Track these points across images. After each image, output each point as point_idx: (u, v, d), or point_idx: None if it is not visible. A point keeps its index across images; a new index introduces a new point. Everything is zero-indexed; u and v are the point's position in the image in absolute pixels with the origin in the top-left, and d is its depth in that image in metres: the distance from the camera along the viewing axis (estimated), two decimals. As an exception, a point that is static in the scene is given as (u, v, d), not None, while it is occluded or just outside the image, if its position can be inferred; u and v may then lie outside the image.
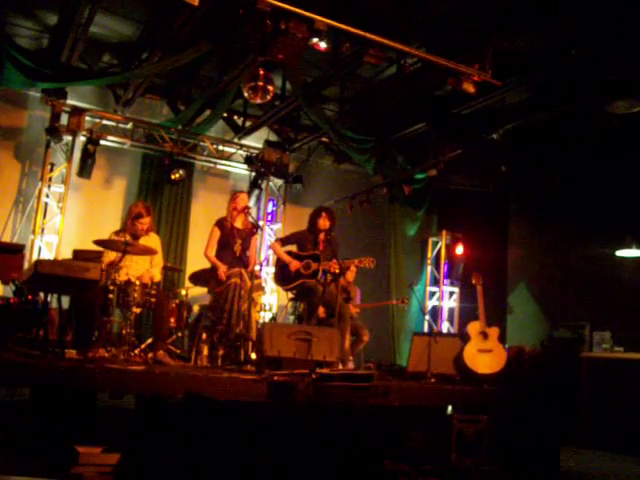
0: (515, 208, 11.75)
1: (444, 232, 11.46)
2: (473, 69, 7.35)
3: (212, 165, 11.04)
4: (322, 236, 7.24)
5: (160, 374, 4.93)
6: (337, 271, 6.84)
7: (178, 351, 7.29)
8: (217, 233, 7.06)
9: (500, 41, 7.52)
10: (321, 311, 7.25)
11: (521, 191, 11.03)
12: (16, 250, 6.76)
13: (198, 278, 8.29)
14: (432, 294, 11.65)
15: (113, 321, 6.25)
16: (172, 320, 7.58)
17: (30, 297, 6.34)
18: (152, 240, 6.74)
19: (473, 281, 7.60)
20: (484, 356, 7.10)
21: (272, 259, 10.50)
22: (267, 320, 9.21)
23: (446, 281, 11.59)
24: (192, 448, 4.23)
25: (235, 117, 10.83)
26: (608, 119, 8.08)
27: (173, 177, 10.14)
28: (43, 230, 9.40)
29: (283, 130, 11.25)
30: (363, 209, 10.69)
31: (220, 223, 7.11)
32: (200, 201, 10.89)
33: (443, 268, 11.54)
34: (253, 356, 6.19)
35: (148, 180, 10.32)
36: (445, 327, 11.44)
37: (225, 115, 10.52)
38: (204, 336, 6.68)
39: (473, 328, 7.28)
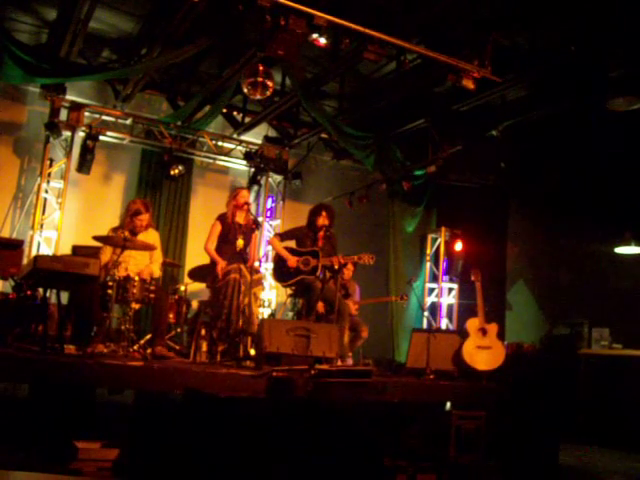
0: (514, 205, 11.75)
1: (443, 228, 11.46)
2: (473, 65, 7.35)
3: (211, 161, 11.04)
4: (321, 233, 7.25)
5: (159, 370, 4.94)
6: (337, 267, 6.84)
7: (177, 347, 7.29)
8: (218, 227, 7.07)
9: (500, 37, 7.51)
10: (320, 306, 7.27)
11: (520, 188, 11.04)
12: (15, 246, 6.77)
13: (197, 274, 8.30)
14: (431, 290, 11.65)
15: (112, 317, 6.25)
16: (171, 316, 7.59)
17: (29, 293, 6.34)
18: (151, 236, 6.75)
19: (472, 277, 7.61)
20: (483, 352, 7.10)
21: (271, 255, 10.51)
22: (266, 316, 9.22)
23: (445, 277, 11.59)
24: (191, 443, 4.24)
25: (234, 113, 10.82)
26: (608, 116, 8.07)
27: (172, 173, 10.13)
28: (42, 226, 9.39)
29: (282, 126, 11.24)
30: (362, 205, 10.69)
31: (222, 218, 7.12)
32: (199, 197, 10.88)
33: (442, 264, 11.54)
34: (252, 352, 6.19)
35: (147, 176, 10.30)
36: (444, 323, 11.45)
37: (224, 111, 10.51)
38: (203, 332, 6.67)
39: (472, 324, 7.29)
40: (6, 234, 9.12)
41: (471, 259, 10.76)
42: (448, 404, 6.29)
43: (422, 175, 10.72)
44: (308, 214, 7.43)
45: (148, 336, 6.55)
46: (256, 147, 11.04)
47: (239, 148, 11.03)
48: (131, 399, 5.95)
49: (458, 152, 9.89)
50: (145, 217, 6.65)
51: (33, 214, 9.33)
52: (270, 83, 8.58)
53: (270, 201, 11.62)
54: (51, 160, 9.51)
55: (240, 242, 6.90)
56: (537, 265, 11.60)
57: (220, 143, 10.91)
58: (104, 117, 9.89)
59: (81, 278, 5.33)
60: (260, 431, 4.04)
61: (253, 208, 10.39)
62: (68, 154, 9.62)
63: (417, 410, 5.90)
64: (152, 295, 6.37)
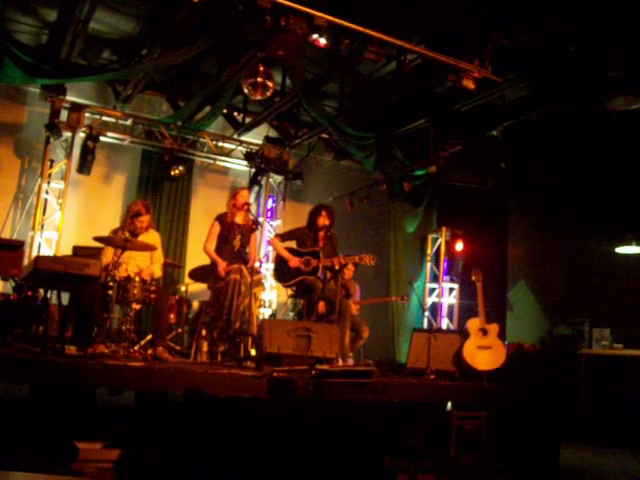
0: (515, 204, 11.75)
1: (444, 228, 11.46)
2: (473, 65, 7.34)
3: (212, 161, 11.04)
4: (322, 233, 7.25)
5: (160, 370, 4.93)
6: (337, 267, 6.84)
7: (178, 347, 7.29)
8: (217, 228, 7.07)
9: (500, 37, 7.51)
10: (321, 306, 7.27)
11: (521, 187, 11.04)
12: (16, 246, 6.76)
13: (198, 274, 8.29)
14: (432, 290, 11.66)
15: (113, 317, 6.25)
16: (172, 316, 7.59)
17: (30, 293, 6.33)
18: (151, 237, 6.75)
19: (473, 278, 7.61)
20: (484, 352, 7.10)
21: (272, 255, 10.51)
22: (267, 316, 9.22)
23: (446, 277, 11.59)
24: (192, 444, 4.24)
25: (235, 113, 10.82)
26: (607, 115, 8.07)
27: (173, 173, 10.14)
28: (43, 226, 9.39)
29: (283, 126, 11.24)
30: (363, 206, 10.69)
31: (221, 218, 7.12)
32: (200, 197, 10.88)
33: (443, 265, 11.54)
34: (253, 352, 6.19)
35: (148, 176, 10.30)
36: (445, 323, 11.45)
37: (225, 111, 10.50)
38: (204, 332, 6.68)
39: (473, 324, 7.29)
40: (7, 235, 9.12)
41: (472, 259, 10.76)
42: (449, 404, 6.29)
43: (423, 175, 10.72)
44: (308, 214, 7.43)
45: (149, 336, 6.55)
46: (257, 147, 11.04)
47: (239, 148, 11.03)
48: (132, 400, 5.95)
49: (459, 152, 9.89)
50: (145, 219, 6.65)
51: (34, 215, 9.33)
52: (270, 83, 8.60)
53: (271, 201, 11.61)
54: (51, 161, 9.51)
55: (237, 242, 6.90)
56: (538, 265, 11.60)
57: (220, 143, 10.91)
58: (104, 118, 9.89)
59: (82, 279, 5.34)
60: (261, 431, 4.04)
61: (254, 208, 10.39)
62: (68, 155, 9.62)
63: (418, 410, 5.90)
64: (153, 296, 6.37)
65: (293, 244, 7.39)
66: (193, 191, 10.80)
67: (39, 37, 9.04)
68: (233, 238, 6.93)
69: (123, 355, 5.75)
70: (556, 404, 6.64)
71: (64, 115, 9.47)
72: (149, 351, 6.16)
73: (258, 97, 8.86)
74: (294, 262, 7.09)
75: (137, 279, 6.25)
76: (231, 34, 7.76)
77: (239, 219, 7.10)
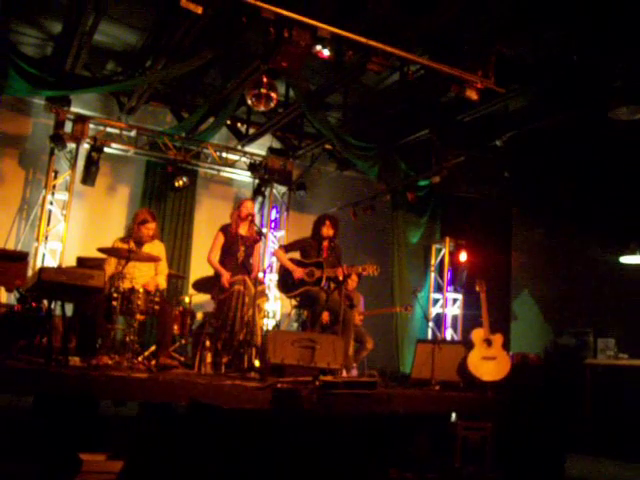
0: (518, 214, 11.73)
1: (447, 239, 11.46)
2: (476, 76, 7.36)
3: (216, 172, 11.06)
4: (326, 243, 7.23)
5: (163, 382, 4.93)
6: (341, 278, 6.83)
7: (182, 358, 7.28)
8: (221, 239, 7.07)
9: (503, 48, 7.53)
10: (325, 317, 7.25)
11: (524, 197, 11.03)
12: (20, 258, 6.77)
13: (202, 285, 8.28)
14: (436, 301, 11.64)
15: (117, 328, 6.24)
16: (176, 327, 7.58)
17: (34, 305, 6.34)
18: (156, 247, 6.75)
19: (477, 288, 7.59)
20: (488, 363, 7.08)
21: (275, 266, 10.51)
22: (271, 327, 9.20)
23: (449, 288, 11.58)
24: (196, 456, 4.23)
25: (238, 124, 10.85)
26: (611, 125, 8.07)
27: (177, 184, 10.16)
28: (47, 237, 9.42)
29: (286, 137, 11.28)
30: (366, 216, 10.69)
31: (225, 229, 7.12)
32: (204, 208, 10.90)
33: (447, 275, 11.53)
34: (257, 363, 6.18)
35: (152, 187, 10.33)
36: (449, 334, 11.42)
37: (228, 122, 10.55)
38: (207, 343, 6.67)
39: (477, 335, 7.27)
40: (11, 246, 9.14)
41: (475, 269, 10.75)
42: (453, 415, 6.27)
43: (426, 186, 10.73)
44: (312, 225, 7.42)
45: (153, 347, 6.54)
46: (260, 158, 11.07)
47: (243, 159, 11.06)
48: (135, 411, 5.94)
49: (462, 162, 9.90)
50: (152, 226, 6.65)
51: (38, 226, 9.35)
52: (274, 95, 8.63)
53: (274, 212, 11.64)
54: (56, 172, 9.55)
55: (241, 254, 6.90)
56: (542, 275, 11.57)
57: (224, 154, 10.94)
58: (109, 129, 9.93)
59: (85, 290, 5.34)
60: (265, 443, 4.03)
61: (257, 219, 10.41)
62: (73, 166, 9.66)
63: (422, 421, 5.88)
64: (156, 307, 6.35)
65: (297, 255, 7.38)
66: (197, 202, 10.82)
67: (44, 49, 9.10)
68: (237, 249, 6.93)
69: (127, 366, 5.75)
70: (561, 414, 6.61)
71: (68, 126, 9.51)
72: (153, 362, 6.15)
73: (262, 108, 8.88)
74: (300, 273, 7.07)
75: (141, 290, 6.25)
76: (235, 46, 7.80)
77: (243, 230, 7.10)
